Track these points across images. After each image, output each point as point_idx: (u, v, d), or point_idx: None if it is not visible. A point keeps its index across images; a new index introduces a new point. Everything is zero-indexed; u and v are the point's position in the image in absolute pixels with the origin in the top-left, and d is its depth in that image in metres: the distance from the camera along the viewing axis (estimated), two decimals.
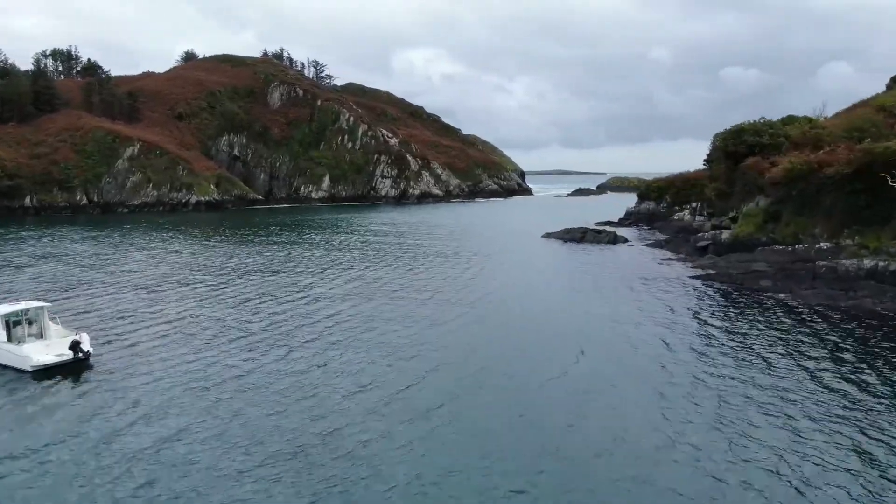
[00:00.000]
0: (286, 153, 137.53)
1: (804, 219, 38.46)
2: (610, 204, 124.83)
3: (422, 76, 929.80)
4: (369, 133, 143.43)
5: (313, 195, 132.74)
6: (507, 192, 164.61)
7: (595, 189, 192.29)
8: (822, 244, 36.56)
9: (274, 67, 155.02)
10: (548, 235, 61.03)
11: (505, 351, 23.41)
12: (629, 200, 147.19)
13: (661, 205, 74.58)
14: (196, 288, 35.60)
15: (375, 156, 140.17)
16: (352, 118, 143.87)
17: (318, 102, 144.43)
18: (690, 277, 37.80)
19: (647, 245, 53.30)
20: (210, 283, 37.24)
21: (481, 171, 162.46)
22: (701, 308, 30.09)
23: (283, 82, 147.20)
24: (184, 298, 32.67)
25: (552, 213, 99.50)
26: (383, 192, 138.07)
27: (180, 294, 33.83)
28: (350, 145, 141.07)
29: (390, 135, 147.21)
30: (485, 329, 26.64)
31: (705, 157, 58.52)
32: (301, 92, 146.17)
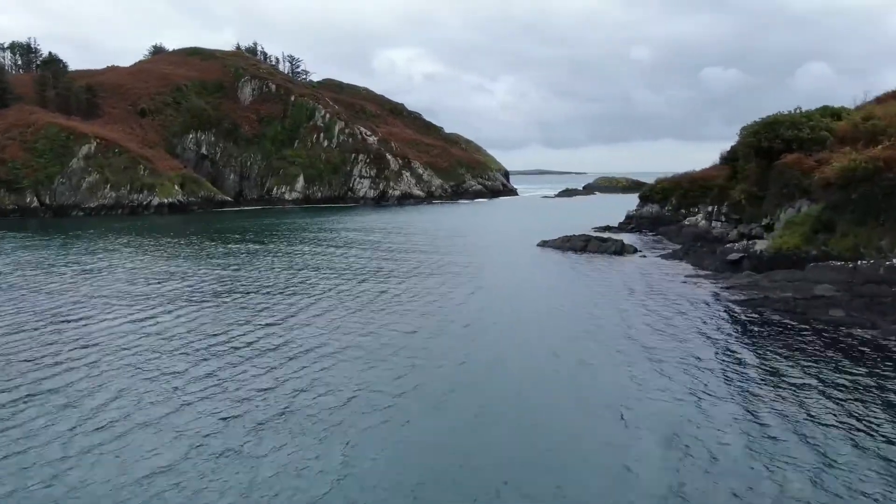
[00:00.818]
0: (257, 152, 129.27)
1: (867, 229, 31.45)
2: (602, 206, 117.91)
3: (403, 75, 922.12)
4: (346, 131, 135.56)
5: (286, 196, 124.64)
6: (492, 193, 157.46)
7: (582, 189, 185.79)
8: (893, 260, 29.59)
9: (245, 61, 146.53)
10: (544, 244, 53.78)
11: (514, 430, 16.05)
12: (621, 201, 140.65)
13: (665, 208, 67.65)
14: (113, 320, 27.81)
15: (353, 155, 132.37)
16: (328, 115, 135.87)
17: (292, 98, 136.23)
18: (732, 302, 30.60)
19: (661, 257, 46.15)
20: (135, 312, 29.43)
21: (465, 171, 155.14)
22: (765, 352, 22.87)
23: (254, 77, 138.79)
24: (85, 337, 24.90)
25: (542, 217, 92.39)
26: (361, 193, 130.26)
27: (82, 331, 26.04)
28: (326, 143, 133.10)
29: (369, 133, 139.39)
30: (485, 390, 19.24)
31: (724, 154, 51.41)
32: (274, 87, 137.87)
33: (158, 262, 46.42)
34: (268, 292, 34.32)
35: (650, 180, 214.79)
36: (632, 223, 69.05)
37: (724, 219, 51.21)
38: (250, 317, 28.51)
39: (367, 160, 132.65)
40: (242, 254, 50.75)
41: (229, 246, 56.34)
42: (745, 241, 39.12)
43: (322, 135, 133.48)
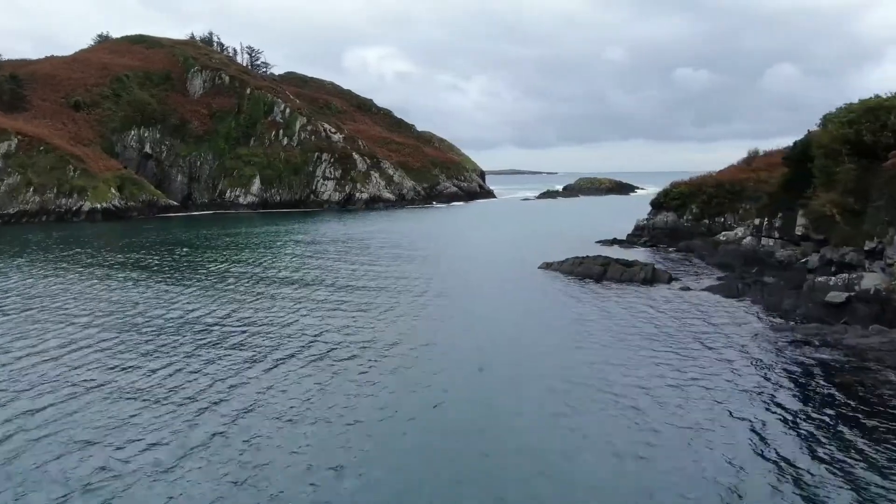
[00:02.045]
0: (209, 150, 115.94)
1: None
2: (593, 210, 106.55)
3: (374, 74, 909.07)
4: (309, 127, 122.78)
5: (241, 200, 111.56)
6: (469, 196, 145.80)
7: (562, 190, 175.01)
8: None
9: (196, 50, 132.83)
10: (547, 267, 42.15)
11: None
12: (612, 205, 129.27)
13: (684, 217, 56.49)
14: None
15: (316, 154, 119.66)
16: (288, 110, 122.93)
17: (248, 91, 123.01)
18: (878, 396, 19.08)
19: (709, 290, 34.65)
20: None
21: (439, 172, 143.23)
22: None
23: (205, 67, 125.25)
24: None
25: (530, 225, 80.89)
26: (325, 196, 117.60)
27: None
28: (286, 141, 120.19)
29: (334, 130, 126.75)
30: None
31: (786, 154, 39.93)
32: (227, 79, 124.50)
33: (63, 289, 33.70)
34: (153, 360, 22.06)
35: (630, 180, 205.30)
36: (643, 235, 57.76)
37: (777, 235, 39.98)
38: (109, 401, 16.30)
39: (332, 160, 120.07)
40: (156, 282, 38.23)
41: (146, 267, 43.69)
42: (845, 275, 27.72)
43: (281, 132, 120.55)
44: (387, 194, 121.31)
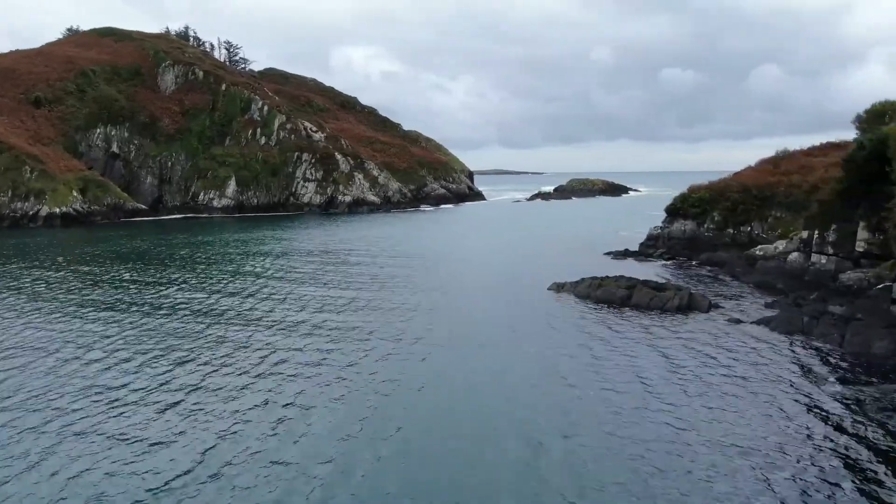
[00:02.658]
0: (181, 150, 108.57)
1: None
2: (592, 214, 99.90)
3: (361, 73, 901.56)
4: (288, 126, 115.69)
5: (215, 203, 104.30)
6: (458, 198, 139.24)
7: (553, 192, 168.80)
8: None
9: (168, 44, 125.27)
10: (559, 289, 35.78)
11: None
12: (610, 207, 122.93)
13: (705, 225, 50.26)
14: None
15: (296, 154, 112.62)
16: (266, 107, 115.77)
17: (223, 87, 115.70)
18: None
19: (763, 323, 28.34)
20: None
21: (426, 173, 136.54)
22: None
23: (178, 62, 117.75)
24: None
25: (528, 231, 74.42)
26: (306, 199, 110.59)
27: None
28: (263, 141, 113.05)
29: (315, 128, 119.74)
30: None
31: (848, 155, 33.70)
32: (201, 74, 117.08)
33: None
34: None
35: (616, 180, 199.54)
36: (659, 246, 51.49)
37: (831, 251, 33.79)
38: None
39: (313, 160, 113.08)
40: (123, 304, 31.35)
41: (81, 291, 36.75)
42: None
43: (259, 130, 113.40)
44: (371, 197, 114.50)
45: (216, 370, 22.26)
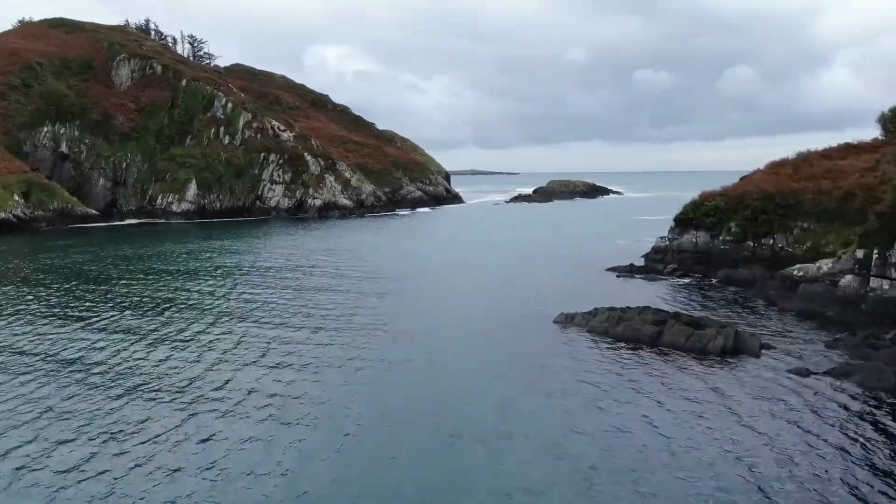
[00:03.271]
0: (137, 150, 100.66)
1: None
2: (578, 217, 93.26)
3: (334, 73, 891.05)
4: (255, 125, 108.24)
5: (174, 208, 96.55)
6: (435, 200, 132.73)
7: (533, 193, 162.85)
8: None
9: (124, 36, 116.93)
10: (567, 321, 29.48)
11: None
12: (594, 210, 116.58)
13: (720, 237, 44.32)
14: None
15: (262, 154, 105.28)
16: (230, 104, 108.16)
17: (184, 83, 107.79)
18: None
19: (843, 377, 22.38)
20: None
21: (402, 174, 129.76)
22: None
23: (134, 55, 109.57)
24: None
25: (515, 239, 68.01)
26: (273, 203, 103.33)
27: None
28: (227, 140, 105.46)
29: (283, 127, 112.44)
30: None
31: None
32: (160, 68, 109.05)
33: None
34: None
35: (591, 181, 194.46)
36: (667, 260, 45.50)
37: (891, 268, 27.90)
38: None
39: (281, 161, 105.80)
40: (35, 351, 24.34)
41: (29, 324, 29.60)
42: None
43: (222, 129, 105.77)
44: (343, 200, 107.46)
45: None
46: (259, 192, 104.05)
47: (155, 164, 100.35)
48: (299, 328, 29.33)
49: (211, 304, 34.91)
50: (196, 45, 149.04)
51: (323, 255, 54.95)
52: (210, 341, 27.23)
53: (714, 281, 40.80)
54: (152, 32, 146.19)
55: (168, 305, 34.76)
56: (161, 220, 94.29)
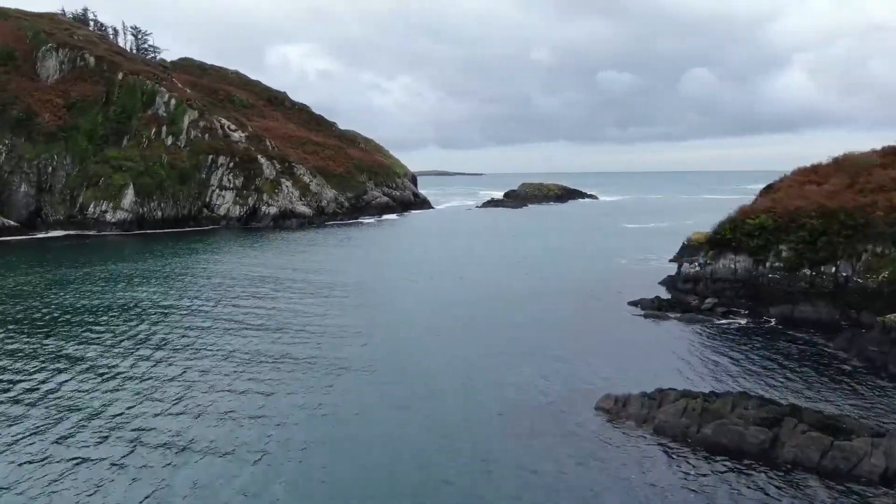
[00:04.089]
0: (65, 152, 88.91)
1: None
2: (562, 225, 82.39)
3: (297, 72, 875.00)
4: (201, 123, 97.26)
5: (109, 217, 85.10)
6: (402, 206, 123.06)
7: (505, 198, 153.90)
8: None
9: (53, 24, 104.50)
10: (619, 410, 20.45)
11: None
12: (577, 217, 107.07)
13: (767, 263, 35.75)
14: None
15: (210, 157, 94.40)
16: (173, 101, 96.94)
17: (120, 76, 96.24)
18: None
19: None
20: None
21: (366, 178, 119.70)
22: None
23: (63, 45, 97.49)
24: None
25: (498, 256, 58.75)
26: (222, 211, 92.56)
27: None
28: (170, 141, 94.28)
29: (234, 126, 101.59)
30: None
31: None
32: (93, 60, 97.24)
33: None
34: None
35: (555, 181, 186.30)
36: (699, 291, 36.83)
37: None
38: None
39: (231, 164, 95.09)
40: None
41: None
42: None
43: (165, 128, 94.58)
44: (301, 207, 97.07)
45: None
46: (207, 199, 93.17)
47: (86, 167, 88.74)
48: (214, 422, 19.64)
49: (83, 395, 24.89)
50: (140, 36, 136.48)
51: (270, 286, 44.89)
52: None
53: (771, 322, 32.18)
54: (91, 23, 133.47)
55: (45, 374, 24.64)
56: (92, 232, 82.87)
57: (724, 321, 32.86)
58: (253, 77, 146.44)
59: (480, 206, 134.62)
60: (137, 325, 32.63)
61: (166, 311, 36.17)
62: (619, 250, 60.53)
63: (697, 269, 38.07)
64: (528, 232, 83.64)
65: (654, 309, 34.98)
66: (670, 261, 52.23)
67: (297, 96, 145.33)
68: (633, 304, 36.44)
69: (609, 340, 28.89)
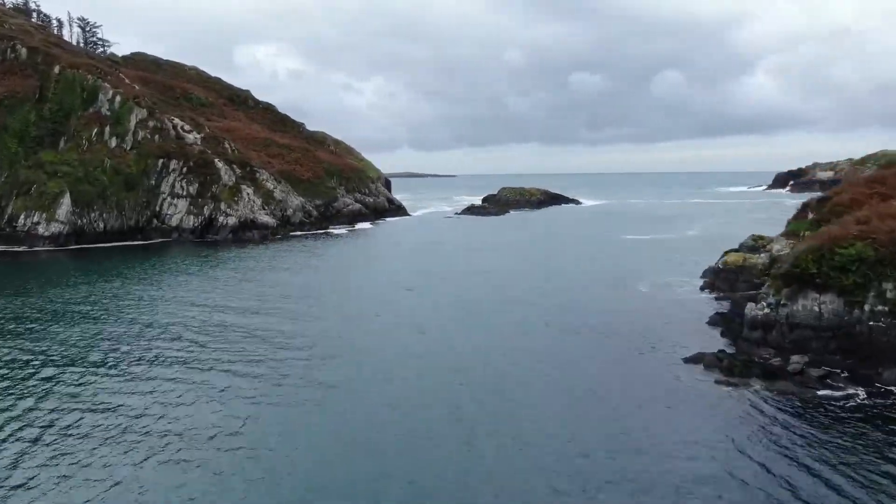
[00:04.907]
0: None
1: None
2: (555, 235, 72.37)
3: (267, 72, 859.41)
4: (151, 123, 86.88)
5: (41, 230, 74.33)
6: (375, 213, 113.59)
7: (486, 203, 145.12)
8: None
9: None
10: None
11: None
12: (564, 226, 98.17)
13: (864, 305, 27.19)
14: None
15: (161, 161, 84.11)
16: (119, 98, 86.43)
17: (56, 70, 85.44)
18: None
19: None
20: None
21: (336, 183, 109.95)
22: None
23: None
24: None
25: (490, 278, 49.73)
26: (174, 222, 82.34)
27: None
28: (115, 143, 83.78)
29: (189, 127, 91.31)
30: None
31: None
32: (24, 52, 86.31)
33: None
34: None
35: (524, 183, 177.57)
36: (773, 338, 28.19)
37: None
38: None
39: (185, 169, 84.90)
40: None
41: None
42: None
43: (108, 129, 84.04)
44: (264, 217, 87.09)
45: None
46: (156, 209, 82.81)
47: (16, 173, 77.87)
48: None
49: None
50: (88, 29, 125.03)
51: (212, 336, 35.26)
52: None
53: (893, 392, 23.57)
54: (34, 14, 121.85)
55: None
56: (21, 248, 72.14)
57: (826, 392, 24.20)
58: (225, 77, 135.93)
59: (460, 213, 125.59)
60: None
61: (48, 383, 26.48)
62: (632, 272, 51.93)
63: (768, 311, 29.42)
64: (520, 245, 74.76)
65: (724, 371, 26.19)
66: (703, 289, 43.78)
67: (267, 96, 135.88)
68: (691, 360, 27.65)
69: (683, 438, 19.98)
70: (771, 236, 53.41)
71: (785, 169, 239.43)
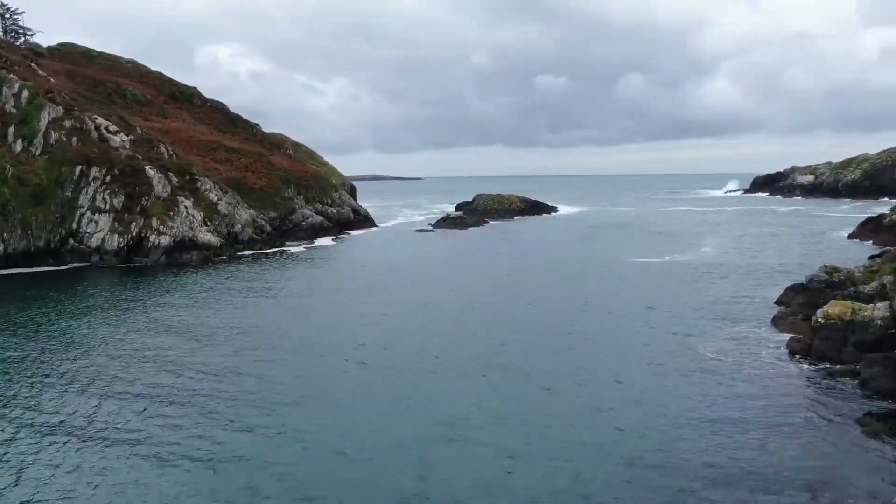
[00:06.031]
0: None
1: None
2: (552, 259, 57.28)
3: (227, 72, 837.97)
4: (68, 123, 72.53)
5: None
6: (339, 226, 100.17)
7: (461, 212, 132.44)
8: None
9: None
10: None
11: None
12: (556, 240, 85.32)
13: None
14: None
15: (79, 168, 69.81)
16: (27, 92, 71.88)
17: None
18: None
19: None
20: None
21: (294, 193, 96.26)
22: None
23: None
24: None
25: (492, 335, 37.13)
26: (94, 243, 68.09)
27: None
28: (20, 146, 69.30)
29: (115, 128, 77.03)
30: None
31: None
32: None
33: None
34: None
35: (492, 186, 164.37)
36: None
37: None
38: None
39: (109, 178, 70.71)
40: None
41: None
42: None
43: (12, 129, 69.54)
44: (205, 235, 73.10)
45: None
46: (73, 226, 68.45)
47: None
48: None
49: None
50: (8, 16, 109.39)
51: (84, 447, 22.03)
52: None
53: None
54: None
55: None
56: None
57: None
58: (182, 79, 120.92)
59: (435, 225, 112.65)
60: None
61: None
62: (678, 321, 39.66)
63: (876, 411, 17.24)
64: (516, 272, 62.29)
65: None
66: (794, 354, 31.65)
67: (225, 97, 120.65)
68: None
69: None
70: (848, 268, 41.77)
71: (745, 171, 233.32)
